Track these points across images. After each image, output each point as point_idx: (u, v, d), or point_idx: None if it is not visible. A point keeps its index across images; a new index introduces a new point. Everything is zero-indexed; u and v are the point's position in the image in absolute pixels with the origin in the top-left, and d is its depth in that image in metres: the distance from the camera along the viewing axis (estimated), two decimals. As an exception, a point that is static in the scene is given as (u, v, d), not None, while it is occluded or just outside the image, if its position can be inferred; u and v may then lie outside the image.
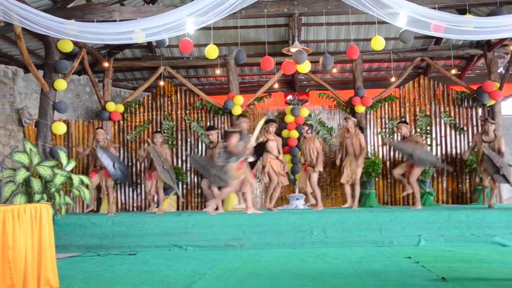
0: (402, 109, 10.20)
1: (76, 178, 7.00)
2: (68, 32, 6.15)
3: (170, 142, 10.13)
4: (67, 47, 7.76)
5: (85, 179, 7.15)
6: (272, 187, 8.49)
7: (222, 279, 4.38)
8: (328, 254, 5.79)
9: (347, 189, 8.82)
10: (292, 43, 7.74)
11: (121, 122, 10.22)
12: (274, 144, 8.45)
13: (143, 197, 10.00)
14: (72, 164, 7.21)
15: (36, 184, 6.66)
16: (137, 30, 6.36)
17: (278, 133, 9.64)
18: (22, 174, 6.62)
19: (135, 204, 10.14)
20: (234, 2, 6.08)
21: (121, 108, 10.05)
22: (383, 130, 10.18)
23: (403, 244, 6.33)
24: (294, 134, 9.99)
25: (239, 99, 9.71)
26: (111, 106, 9.87)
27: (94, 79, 9.81)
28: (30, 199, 6.71)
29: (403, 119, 9.68)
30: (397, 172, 8.68)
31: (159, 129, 10.01)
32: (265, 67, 7.84)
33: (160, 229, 6.96)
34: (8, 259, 3.34)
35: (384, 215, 7.01)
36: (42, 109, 7.97)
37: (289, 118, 10.08)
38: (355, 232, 6.69)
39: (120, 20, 7.10)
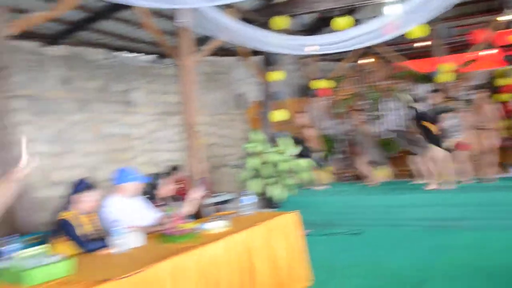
0: None
1: (300, 163, 7.80)
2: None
3: (374, 114, 10.32)
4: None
5: (307, 162, 7.91)
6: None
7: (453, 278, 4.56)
8: None
9: None
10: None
11: (328, 96, 10.75)
12: None
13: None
14: (295, 149, 8.02)
15: (266, 170, 7.64)
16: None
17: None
18: (253, 161, 7.64)
19: (349, 175, 10.63)
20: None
21: (326, 84, 10.55)
22: None
23: None
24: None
25: (445, 66, 9.36)
26: (317, 83, 10.43)
27: (300, 58, 10.44)
28: (261, 183, 7.74)
29: None
30: None
31: (363, 102, 10.27)
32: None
33: (381, 208, 7.34)
34: (275, 264, 4.12)
35: None
36: (263, 100, 8.92)
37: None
38: None
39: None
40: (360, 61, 10.67)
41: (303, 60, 10.79)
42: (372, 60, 10.62)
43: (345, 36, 6.97)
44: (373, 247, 5.99)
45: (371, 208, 7.42)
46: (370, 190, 8.48)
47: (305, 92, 10.96)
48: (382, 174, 9.61)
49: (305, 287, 4.56)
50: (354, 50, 10.36)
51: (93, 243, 3.58)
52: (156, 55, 9.09)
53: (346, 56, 10.77)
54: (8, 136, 4.28)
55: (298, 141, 8.34)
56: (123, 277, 2.64)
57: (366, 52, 10.55)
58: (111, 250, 3.40)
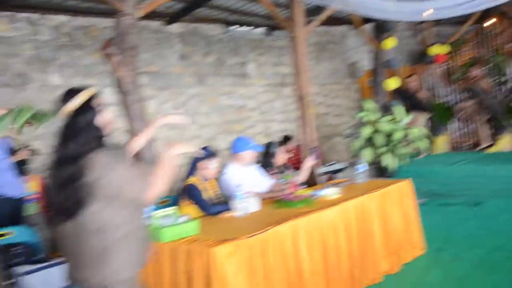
0: None
1: (414, 131, 7.61)
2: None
3: (498, 79, 9.67)
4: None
5: (422, 131, 7.70)
6: None
7: None
8: None
9: None
10: None
11: (445, 63, 10.24)
12: None
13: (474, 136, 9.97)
14: (408, 118, 7.83)
15: (379, 139, 7.56)
16: None
17: None
18: (366, 130, 7.59)
19: (467, 143, 10.18)
20: None
21: (444, 49, 10.05)
22: None
23: None
24: None
25: None
26: (434, 49, 9.98)
27: (416, 23, 10.03)
28: (374, 152, 7.69)
29: None
30: None
31: (486, 66, 9.65)
32: None
33: (502, 177, 6.98)
34: (388, 231, 4.17)
35: None
36: (375, 68, 8.77)
37: None
38: None
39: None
40: (482, 23, 9.96)
41: (418, 25, 10.34)
42: (496, 20, 9.86)
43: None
44: (491, 219, 5.75)
45: (490, 179, 7.06)
46: (490, 160, 8.06)
47: (421, 59, 10.53)
48: (505, 142, 9.03)
49: (418, 255, 4.57)
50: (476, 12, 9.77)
51: (217, 206, 3.89)
52: (268, 28, 9.27)
53: (466, 18, 10.12)
54: (141, 109, 4.70)
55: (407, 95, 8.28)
56: (248, 237, 2.88)
57: (489, 12, 9.85)
58: (234, 213, 3.68)
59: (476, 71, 8.95)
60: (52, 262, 3.97)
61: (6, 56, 6.08)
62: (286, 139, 7.45)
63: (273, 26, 9.11)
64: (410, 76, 9.22)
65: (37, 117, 2.11)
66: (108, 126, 2.28)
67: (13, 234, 4.28)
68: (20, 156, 5.03)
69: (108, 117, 2.30)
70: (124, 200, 2.15)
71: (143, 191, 2.13)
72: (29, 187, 5.21)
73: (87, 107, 2.21)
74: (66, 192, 2.10)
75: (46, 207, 5.22)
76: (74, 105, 2.19)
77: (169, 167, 2.22)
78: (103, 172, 2.09)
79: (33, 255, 4.28)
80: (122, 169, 2.14)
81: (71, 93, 2.24)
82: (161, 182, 2.17)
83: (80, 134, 2.16)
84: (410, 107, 8.49)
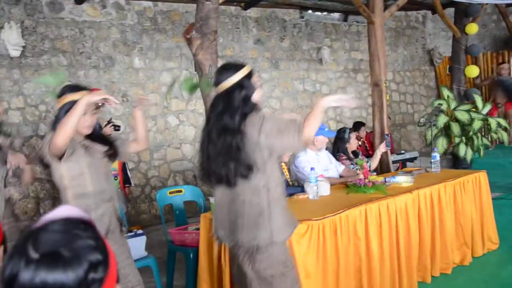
0: None
1: (493, 122, 7.38)
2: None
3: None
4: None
5: (502, 121, 7.45)
6: None
7: None
8: None
9: None
10: None
11: (533, 50, 9.76)
12: None
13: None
14: (487, 107, 7.59)
15: (455, 128, 7.39)
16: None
17: None
18: (442, 119, 7.44)
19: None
20: None
21: (533, 35, 9.56)
22: None
23: None
24: None
25: None
26: (521, 35, 9.52)
27: (502, 7, 9.59)
28: (450, 141, 7.53)
29: None
30: None
31: None
32: None
33: None
34: (460, 222, 4.16)
35: None
36: (455, 54, 8.53)
37: None
38: None
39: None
40: None
41: (507, 8, 9.86)
42: None
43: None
44: None
45: None
46: None
47: (507, 45, 10.07)
48: None
49: (490, 249, 4.50)
50: None
51: (289, 188, 4.04)
52: (344, 13, 9.23)
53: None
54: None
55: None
56: (321, 218, 3.01)
57: None
58: (306, 196, 3.82)
59: None
60: (134, 233, 4.31)
61: (95, 40, 6.52)
62: (358, 125, 7.46)
63: (349, 11, 9.06)
64: (502, 63, 8.83)
65: (201, 85, 2.34)
66: (259, 104, 2.40)
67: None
68: (104, 132, 5.41)
69: (261, 94, 2.42)
70: (277, 157, 2.30)
71: (297, 137, 2.18)
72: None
73: (246, 83, 2.32)
74: (230, 160, 2.26)
75: (123, 183, 5.62)
76: (233, 81, 2.31)
77: (320, 113, 2.24)
78: (257, 131, 2.21)
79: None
80: (271, 124, 2.23)
81: (229, 68, 2.38)
82: (313, 124, 2.21)
83: (237, 109, 2.27)
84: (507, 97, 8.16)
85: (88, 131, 2.58)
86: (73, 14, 6.36)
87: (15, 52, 5.79)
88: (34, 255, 0.82)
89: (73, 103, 2.38)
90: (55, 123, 2.47)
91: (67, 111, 2.37)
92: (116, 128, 5.58)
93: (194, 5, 5.02)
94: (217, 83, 2.36)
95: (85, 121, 2.52)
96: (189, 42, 4.92)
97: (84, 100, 2.30)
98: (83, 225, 0.90)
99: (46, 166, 2.50)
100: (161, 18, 7.15)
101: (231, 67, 2.37)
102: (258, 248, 2.28)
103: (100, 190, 2.55)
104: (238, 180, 2.28)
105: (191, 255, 3.65)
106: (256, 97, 2.36)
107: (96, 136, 2.68)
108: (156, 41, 7.08)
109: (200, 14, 4.84)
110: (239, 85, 2.31)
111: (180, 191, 4.37)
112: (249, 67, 2.39)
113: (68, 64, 6.27)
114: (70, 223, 0.89)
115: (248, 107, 2.30)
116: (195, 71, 5.08)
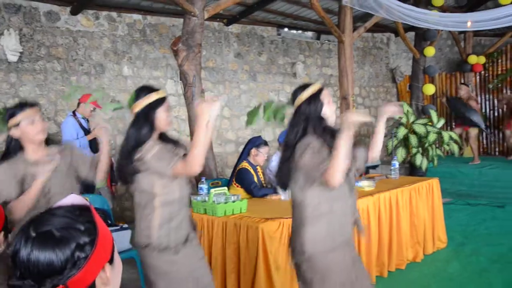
0: None
1: (446, 135, 7.61)
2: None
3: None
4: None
5: (453, 135, 7.68)
6: None
7: None
8: None
9: None
10: None
11: (483, 72, 10.08)
12: None
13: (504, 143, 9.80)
14: (441, 122, 7.82)
15: (413, 140, 7.59)
16: None
17: None
18: (402, 131, 7.64)
19: (497, 149, 10.03)
20: None
21: (482, 60, 9.88)
22: None
23: None
24: None
25: None
26: (472, 59, 9.82)
27: (455, 34, 9.89)
28: (408, 151, 7.73)
29: None
30: None
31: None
32: None
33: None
34: (414, 223, 4.30)
35: None
36: (414, 74, 8.76)
37: None
38: None
39: None
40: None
41: (459, 35, 10.19)
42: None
43: (503, 12, 6.51)
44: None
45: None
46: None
47: (459, 67, 10.38)
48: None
49: (440, 248, 4.66)
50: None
51: (263, 190, 4.12)
52: (317, 32, 9.39)
53: (509, 30, 9.88)
54: (203, 98, 4.97)
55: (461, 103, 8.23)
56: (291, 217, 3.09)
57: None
58: (278, 197, 3.90)
59: None
60: (120, 227, 4.30)
61: (88, 48, 6.50)
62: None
63: (322, 31, 9.23)
64: (462, 84, 9.06)
65: (278, 110, 2.29)
66: (330, 118, 2.33)
67: (88, 200, 4.65)
68: (92, 135, 5.37)
69: (332, 109, 2.36)
70: (318, 182, 2.19)
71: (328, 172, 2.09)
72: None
73: (314, 100, 2.29)
74: (283, 169, 2.30)
75: (110, 181, 5.60)
76: (304, 96, 2.29)
77: (349, 137, 2.10)
78: (304, 154, 2.18)
79: (105, 221, 4.63)
80: (312, 154, 2.18)
81: (301, 86, 2.37)
82: (341, 158, 2.07)
83: (301, 122, 2.26)
84: (463, 117, 8.36)
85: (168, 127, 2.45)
86: (68, 24, 6.33)
87: (13, 57, 5.75)
88: (32, 233, 0.90)
89: (149, 107, 2.30)
90: (140, 130, 2.28)
91: (146, 114, 2.29)
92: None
93: (181, 20, 5.07)
94: (292, 100, 2.36)
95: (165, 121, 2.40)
96: (175, 53, 4.97)
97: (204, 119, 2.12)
98: (79, 211, 0.96)
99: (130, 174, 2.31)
100: (150, 30, 7.17)
101: (303, 86, 2.37)
102: (293, 250, 2.32)
103: (183, 195, 2.38)
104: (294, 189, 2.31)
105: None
106: (326, 112, 2.32)
107: (169, 138, 2.49)
108: (144, 51, 7.09)
109: (186, 28, 4.89)
110: (310, 100, 2.29)
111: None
112: (319, 84, 2.37)
113: (61, 70, 6.23)
114: (68, 209, 0.96)
115: (318, 121, 2.27)
116: (180, 80, 5.13)
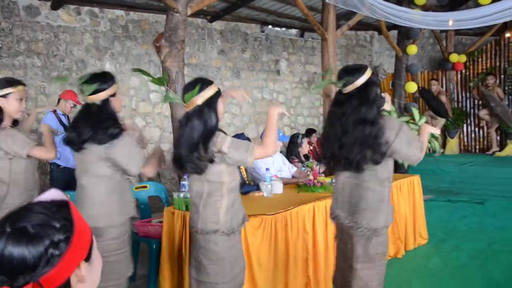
0: None
1: (427, 132, 7.69)
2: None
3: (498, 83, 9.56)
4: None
5: (434, 131, 7.76)
6: None
7: None
8: None
9: None
10: None
11: (464, 70, 10.21)
12: None
13: (484, 140, 9.96)
14: (423, 119, 7.88)
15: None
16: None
17: None
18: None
19: (477, 146, 10.16)
20: None
21: (463, 58, 10.01)
22: None
23: None
24: None
25: None
26: (454, 57, 9.95)
27: (437, 32, 10.00)
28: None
29: None
30: None
31: (502, 76, 9.61)
32: None
33: (506, 179, 7.03)
34: (396, 220, 4.34)
35: None
36: (397, 72, 8.84)
37: None
38: None
39: None
40: (503, 35, 9.85)
41: (440, 34, 10.29)
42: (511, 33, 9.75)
43: (484, 12, 6.60)
44: (492, 216, 5.85)
45: (495, 180, 7.12)
46: (497, 163, 8.07)
47: (441, 65, 10.51)
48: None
49: (421, 244, 4.72)
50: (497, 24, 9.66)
51: (246, 186, 4.11)
52: (301, 30, 9.40)
53: (487, 29, 10.02)
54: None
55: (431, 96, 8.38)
56: (273, 214, 3.10)
57: (510, 25, 9.75)
58: (261, 194, 3.90)
59: (491, 80, 8.95)
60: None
61: (69, 44, 6.41)
62: (310, 132, 7.61)
63: (305, 28, 9.24)
64: (432, 79, 9.29)
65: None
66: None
67: (69, 197, 4.58)
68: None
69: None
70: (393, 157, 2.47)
71: (418, 153, 2.44)
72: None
73: (375, 81, 2.50)
74: (366, 148, 2.38)
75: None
76: (364, 79, 2.44)
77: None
78: (394, 135, 2.37)
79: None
80: (406, 135, 2.41)
81: (356, 69, 2.50)
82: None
83: (372, 102, 2.42)
84: (431, 108, 8.56)
85: None
86: (49, 19, 6.23)
87: (-10, 52, 5.64)
88: (7, 229, 0.88)
89: (213, 98, 2.42)
90: (207, 121, 2.37)
91: (211, 106, 2.40)
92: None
93: (164, 16, 5.03)
94: (347, 83, 2.47)
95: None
96: (158, 49, 4.92)
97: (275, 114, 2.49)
98: (57, 207, 0.95)
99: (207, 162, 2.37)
100: (132, 26, 7.10)
101: (358, 68, 2.50)
102: (375, 230, 2.45)
103: (238, 181, 2.56)
104: (367, 167, 2.42)
105: (154, 245, 3.67)
106: (380, 91, 2.55)
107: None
108: (127, 47, 7.02)
109: (169, 24, 4.85)
110: (372, 82, 2.47)
111: (145, 187, 4.37)
112: (370, 69, 2.52)
113: (42, 66, 6.14)
114: (46, 205, 0.95)
115: (379, 100, 2.48)
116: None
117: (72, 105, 5.07)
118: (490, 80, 9.00)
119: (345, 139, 2.45)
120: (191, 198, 2.50)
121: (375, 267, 2.48)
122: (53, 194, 0.99)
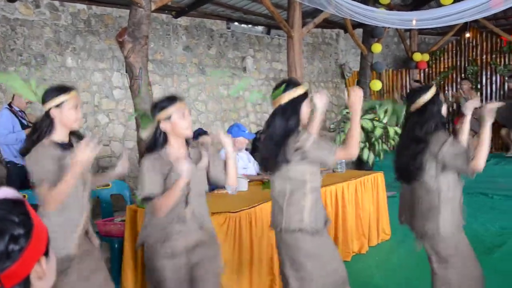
0: None
1: (391, 130, 7.86)
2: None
3: (474, 87, 9.94)
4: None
5: (398, 130, 7.95)
6: None
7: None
8: None
9: None
10: None
11: (427, 69, 10.50)
12: None
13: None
14: (387, 117, 8.07)
15: (361, 135, 7.80)
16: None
17: None
18: (348, 126, 7.83)
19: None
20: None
21: (426, 57, 10.29)
22: None
23: None
24: None
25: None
26: (417, 56, 10.22)
27: (401, 31, 10.24)
28: (356, 146, 7.93)
29: None
30: None
31: (463, 75, 9.93)
32: None
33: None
34: (360, 216, 4.43)
35: None
36: (362, 70, 9.01)
37: None
38: None
39: None
40: (464, 35, 10.18)
41: (405, 33, 10.54)
42: (474, 33, 10.09)
43: (445, 11, 6.80)
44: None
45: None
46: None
47: (405, 64, 10.77)
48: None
49: (384, 239, 4.83)
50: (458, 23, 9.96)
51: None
52: (267, 27, 9.44)
53: (449, 29, 10.32)
54: (148, 93, 4.88)
55: None
56: (238, 211, 3.11)
57: (470, 25, 10.07)
58: (225, 191, 3.90)
59: (465, 85, 8.98)
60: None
61: (27, 37, 6.22)
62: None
63: (271, 26, 9.29)
64: (414, 81, 9.43)
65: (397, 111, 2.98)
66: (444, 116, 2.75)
67: (26, 197, 4.47)
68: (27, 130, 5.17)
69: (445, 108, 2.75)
70: (455, 170, 2.62)
71: (466, 166, 2.53)
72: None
73: (437, 100, 2.68)
74: (415, 161, 2.60)
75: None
76: (427, 98, 2.65)
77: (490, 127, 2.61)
78: (439, 148, 2.55)
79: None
80: (453, 148, 2.56)
81: (422, 88, 2.74)
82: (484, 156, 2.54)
83: (431, 119, 2.63)
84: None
85: None
86: (5, 11, 6.04)
87: None
88: None
89: (298, 99, 2.54)
90: (288, 121, 2.47)
91: (295, 106, 2.52)
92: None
93: (128, 11, 4.95)
94: (412, 101, 2.71)
95: None
96: (121, 45, 4.85)
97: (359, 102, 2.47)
98: (13, 204, 0.94)
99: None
100: (95, 21, 6.96)
101: (424, 88, 2.75)
102: (425, 234, 2.71)
103: (320, 182, 2.62)
104: (413, 179, 2.67)
105: (116, 245, 3.62)
106: (444, 110, 2.74)
107: None
108: (89, 42, 6.88)
109: (132, 19, 4.78)
110: (433, 100, 2.67)
111: (108, 185, 4.30)
112: (434, 88, 2.72)
113: (-2, 60, 5.95)
114: (1, 201, 0.94)
115: (440, 118, 2.68)
116: (126, 72, 5.01)
117: (27, 101, 4.94)
118: (464, 85, 9.04)
119: (401, 150, 2.76)
120: (273, 197, 2.56)
121: None
122: (5, 192, 0.98)
